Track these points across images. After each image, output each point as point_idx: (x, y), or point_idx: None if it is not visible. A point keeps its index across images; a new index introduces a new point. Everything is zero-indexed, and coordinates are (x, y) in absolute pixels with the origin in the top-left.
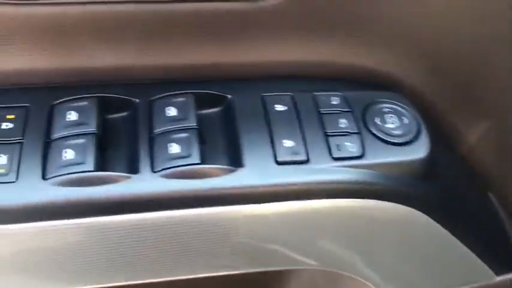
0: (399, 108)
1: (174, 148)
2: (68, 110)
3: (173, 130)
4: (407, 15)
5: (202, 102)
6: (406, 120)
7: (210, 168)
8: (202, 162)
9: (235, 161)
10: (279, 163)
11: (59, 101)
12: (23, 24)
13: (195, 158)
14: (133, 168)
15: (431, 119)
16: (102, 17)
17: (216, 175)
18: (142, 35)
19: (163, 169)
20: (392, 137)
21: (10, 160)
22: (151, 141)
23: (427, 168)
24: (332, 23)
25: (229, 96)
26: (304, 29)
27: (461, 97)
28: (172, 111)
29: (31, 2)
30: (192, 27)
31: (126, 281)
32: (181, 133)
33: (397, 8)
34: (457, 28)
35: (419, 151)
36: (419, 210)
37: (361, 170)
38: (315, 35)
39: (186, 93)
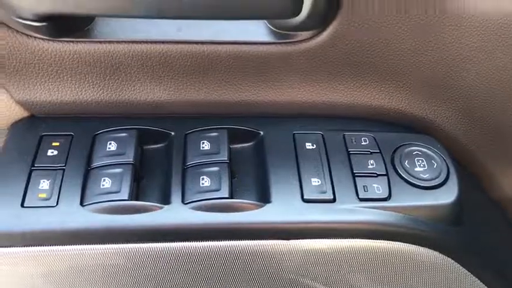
0: (429, 152)
1: (205, 181)
2: (108, 140)
3: (205, 163)
4: (442, 62)
5: (235, 137)
6: (435, 164)
7: (238, 202)
8: (232, 196)
9: (263, 197)
10: (305, 201)
11: (100, 131)
12: (74, 59)
13: (225, 192)
14: (165, 199)
15: (463, 163)
16: (147, 55)
17: (244, 210)
18: (182, 72)
19: (193, 201)
20: (420, 181)
21: (52, 186)
22: (184, 173)
23: (455, 213)
24: (365, 68)
25: (261, 132)
26: (337, 72)
27: (494, 143)
28: (205, 145)
29: (81, 40)
30: (228, 67)
31: None
32: (212, 167)
33: (432, 56)
34: (492, 75)
35: (447, 196)
36: (446, 254)
37: (387, 212)
38: (347, 79)
39: (219, 128)
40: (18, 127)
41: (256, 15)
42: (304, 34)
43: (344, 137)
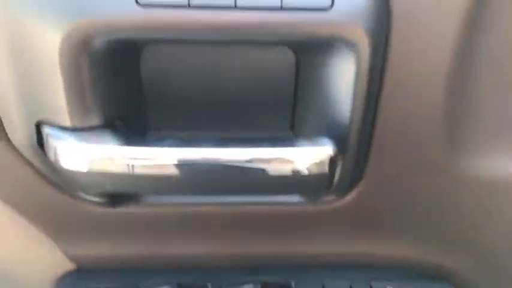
0: None
1: None
2: None
3: None
4: (458, 218)
5: None
6: None
7: None
8: None
9: None
10: None
11: (142, 286)
12: (122, 220)
13: None
14: None
15: None
16: (188, 216)
17: None
18: (219, 229)
19: None
20: None
21: None
22: None
23: None
24: (386, 223)
25: (292, 283)
26: (361, 228)
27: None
28: None
29: (130, 205)
30: (261, 224)
31: None
32: None
33: (449, 213)
34: (507, 232)
35: None
36: None
37: None
38: (370, 233)
39: (253, 281)
40: (65, 280)
41: (293, 192)
42: (330, 197)
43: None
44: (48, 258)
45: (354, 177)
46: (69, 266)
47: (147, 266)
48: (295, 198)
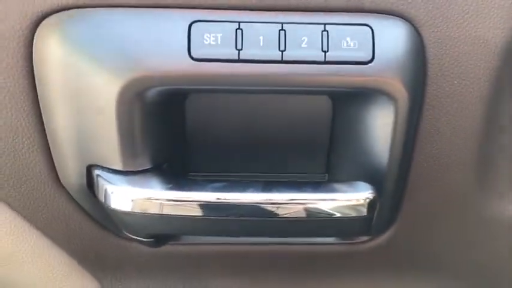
0: None
1: None
2: None
3: None
4: (492, 258)
5: None
6: None
7: None
8: None
9: None
10: None
11: None
12: (164, 258)
13: None
14: None
15: None
16: (225, 254)
17: None
18: (255, 268)
19: None
20: None
21: None
22: None
23: None
24: (421, 263)
25: None
26: (394, 267)
27: None
28: None
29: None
30: (296, 263)
31: None
32: None
33: (482, 253)
34: None
35: None
36: None
37: None
38: (403, 272)
39: None
40: None
41: (332, 235)
42: (364, 237)
43: None
44: None
45: (389, 218)
46: None
47: None
48: (329, 238)
